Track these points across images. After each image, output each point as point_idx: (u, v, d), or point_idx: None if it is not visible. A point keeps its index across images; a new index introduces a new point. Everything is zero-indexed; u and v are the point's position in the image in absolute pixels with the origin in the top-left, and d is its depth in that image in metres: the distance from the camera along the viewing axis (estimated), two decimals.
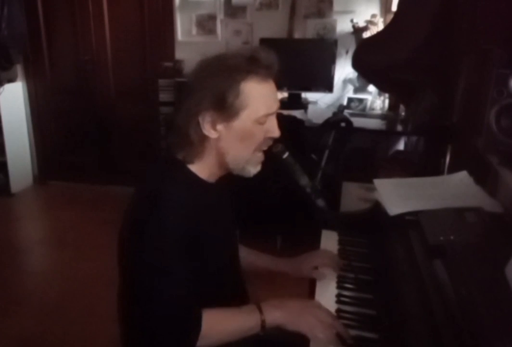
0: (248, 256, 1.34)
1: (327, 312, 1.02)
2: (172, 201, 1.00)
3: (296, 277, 1.29)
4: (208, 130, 1.03)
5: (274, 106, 1.06)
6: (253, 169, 1.10)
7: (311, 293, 1.20)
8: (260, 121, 1.04)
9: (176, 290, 0.97)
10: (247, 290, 1.29)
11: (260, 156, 1.10)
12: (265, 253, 1.39)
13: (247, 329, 1.00)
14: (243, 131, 1.03)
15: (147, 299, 0.97)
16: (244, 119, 1.02)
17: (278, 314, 1.01)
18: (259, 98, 1.02)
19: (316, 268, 1.26)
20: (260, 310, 1.01)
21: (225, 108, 1.00)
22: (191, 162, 1.07)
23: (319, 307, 1.04)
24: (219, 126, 1.03)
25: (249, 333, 1.01)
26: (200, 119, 1.02)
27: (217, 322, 1.01)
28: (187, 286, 0.98)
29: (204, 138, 1.04)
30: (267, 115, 1.04)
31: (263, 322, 0.99)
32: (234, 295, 1.20)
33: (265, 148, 1.10)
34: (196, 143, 1.04)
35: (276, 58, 1.04)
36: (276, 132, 1.08)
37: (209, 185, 1.11)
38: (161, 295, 0.96)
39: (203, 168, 1.09)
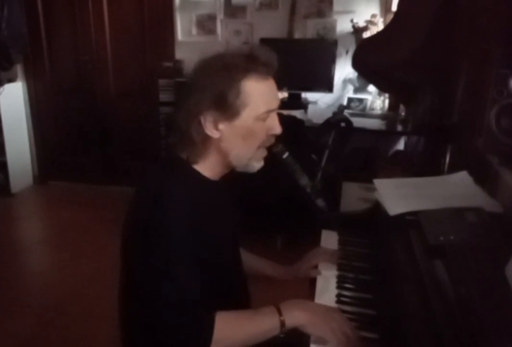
0: (248, 261, 1.33)
1: (349, 322, 0.98)
2: (175, 200, 0.99)
3: (295, 279, 1.30)
4: (210, 130, 1.03)
5: (275, 103, 1.06)
6: (257, 164, 1.10)
7: (311, 293, 1.19)
8: (261, 118, 1.04)
9: (182, 293, 0.95)
10: (248, 287, 1.29)
11: (262, 151, 1.10)
12: (265, 255, 1.39)
13: (264, 332, 0.97)
14: (245, 130, 1.04)
15: (153, 303, 0.95)
16: (245, 118, 1.02)
17: (299, 314, 0.98)
18: (259, 96, 1.02)
19: (315, 267, 1.26)
20: (279, 311, 0.98)
21: (226, 107, 1.01)
22: (195, 162, 1.07)
23: (341, 314, 1.01)
24: (221, 126, 1.03)
25: (267, 336, 0.98)
26: (201, 119, 1.02)
27: (232, 325, 0.98)
28: (194, 288, 0.96)
29: (206, 138, 1.04)
30: (268, 112, 1.05)
31: (282, 323, 0.96)
32: (236, 292, 1.20)
33: (268, 145, 1.11)
34: (199, 143, 1.04)
35: (275, 55, 1.05)
36: (277, 129, 1.08)
37: (214, 183, 1.11)
38: (167, 298, 0.94)
39: (207, 167, 1.09)
